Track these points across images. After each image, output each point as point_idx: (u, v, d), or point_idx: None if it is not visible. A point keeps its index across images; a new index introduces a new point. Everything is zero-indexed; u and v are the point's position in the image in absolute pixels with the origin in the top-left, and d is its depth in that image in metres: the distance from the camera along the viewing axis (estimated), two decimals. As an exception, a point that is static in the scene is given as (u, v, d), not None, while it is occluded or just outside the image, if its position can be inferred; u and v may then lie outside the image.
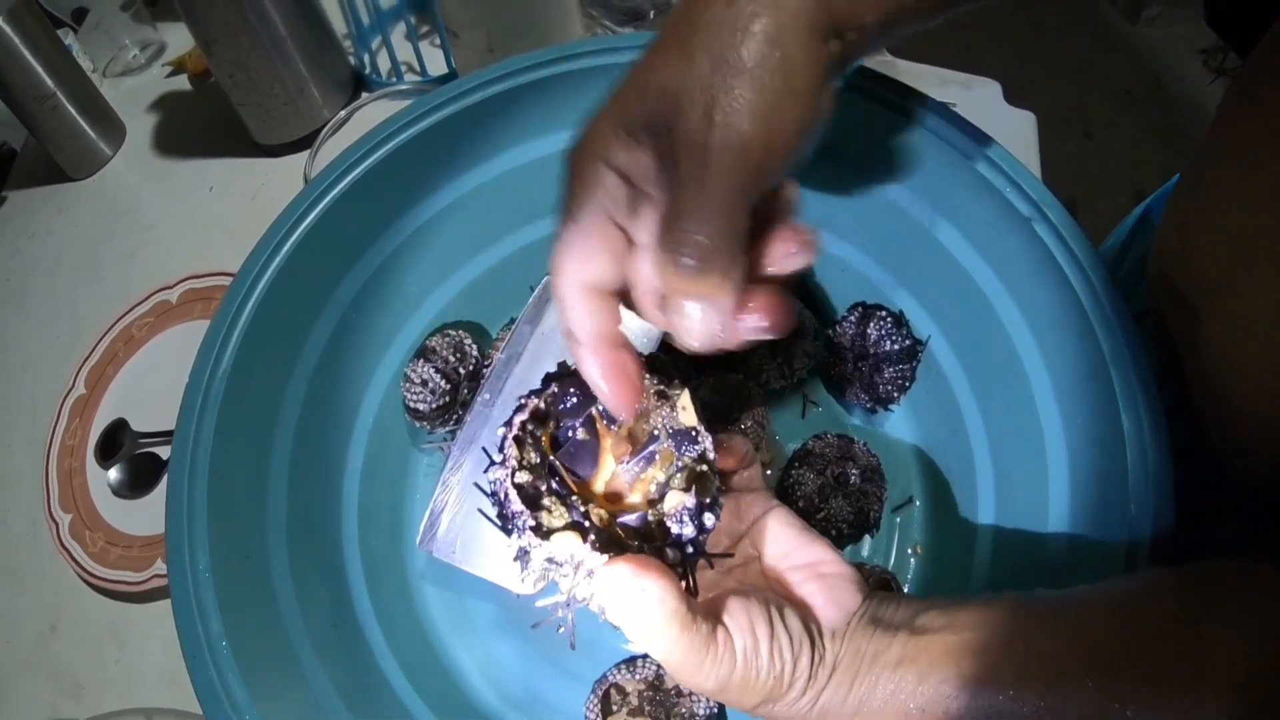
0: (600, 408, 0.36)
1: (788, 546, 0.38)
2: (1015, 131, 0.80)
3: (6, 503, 0.75)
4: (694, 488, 0.34)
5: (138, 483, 0.70)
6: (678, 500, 0.34)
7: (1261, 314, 0.41)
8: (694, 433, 0.36)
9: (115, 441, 0.72)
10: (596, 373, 0.33)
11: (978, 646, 0.32)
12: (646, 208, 0.31)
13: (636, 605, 0.31)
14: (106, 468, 0.71)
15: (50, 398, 0.77)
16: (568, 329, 0.33)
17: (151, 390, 0.74)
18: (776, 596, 0.35)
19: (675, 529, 0.33)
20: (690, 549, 0.34)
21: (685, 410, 0.36)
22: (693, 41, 0.29)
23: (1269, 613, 0.30)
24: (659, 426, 0.36)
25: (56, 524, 0.69)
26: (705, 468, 0.35)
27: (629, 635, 0.32)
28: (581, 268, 0.32)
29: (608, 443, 0.36)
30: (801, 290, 0.61)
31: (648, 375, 0.36)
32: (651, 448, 0.35)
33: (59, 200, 0.94)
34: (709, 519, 0.34)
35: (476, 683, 0.52)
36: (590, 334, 0.33)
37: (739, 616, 0.33)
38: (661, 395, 0.36)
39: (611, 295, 0.33)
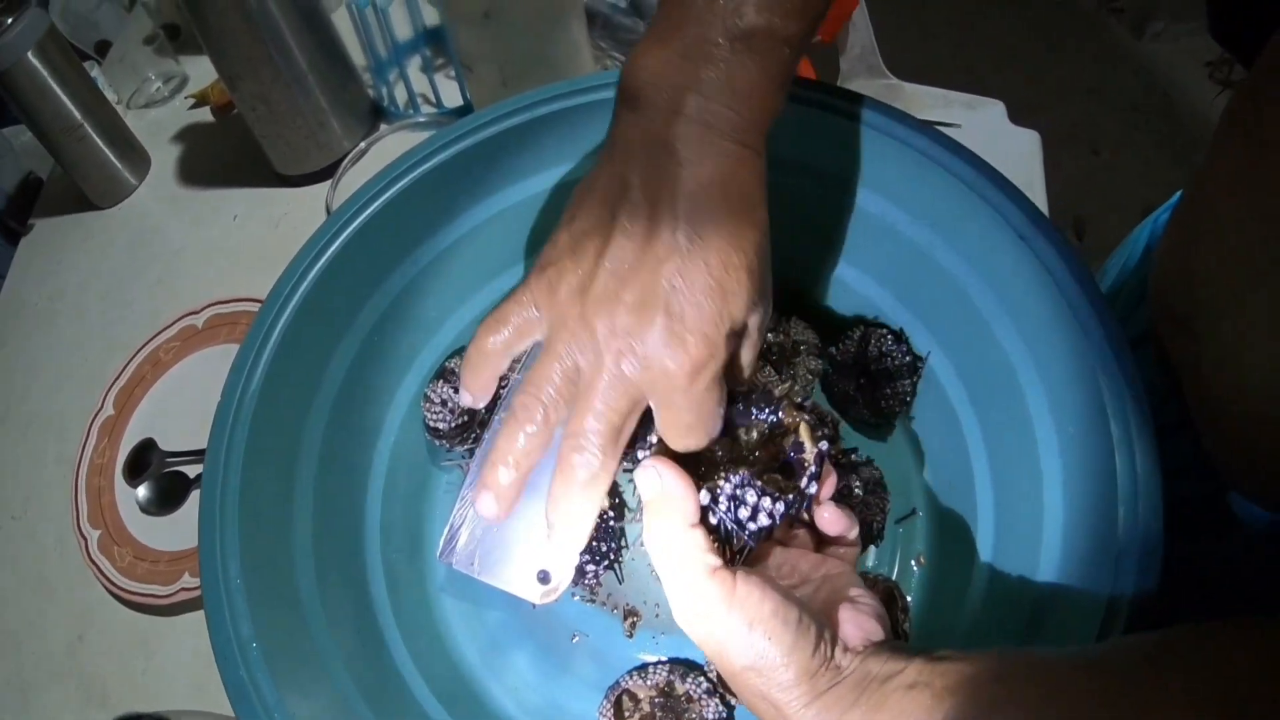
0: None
1: (842, 585, 0.39)
2: (1020, 151, 0.82)
3: (36, 518, 0.78)
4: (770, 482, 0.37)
5: (165, 500, 0.73)
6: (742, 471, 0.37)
7: (1261, 335, 0.42)
8: (804, 462, 0.39)
9: (143, 460, 0.74)
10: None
11: (1002, 675, 0.32)
12: None
13: (660, 493, 0.36)
14: (135, 485, 0.73)
15: (79, 419, 0.79)
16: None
17: (179, 411, 0.77)
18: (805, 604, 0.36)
19: (721, 484, 0.36)
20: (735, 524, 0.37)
21: (808, 442, 0.39)
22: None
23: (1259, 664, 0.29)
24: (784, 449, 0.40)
25: (85, 539, 0.71)
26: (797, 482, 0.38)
27: (645, 536, 0.37)
28: None
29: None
30: (805, 310, 0.63)
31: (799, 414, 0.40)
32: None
33: (86, 228, 0.97)
34: (764, 504, 0.36)
35: (494, 690, 0.54)
36: None
37: (752, 576, 0.34)
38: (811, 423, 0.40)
39: None
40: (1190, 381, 0.50)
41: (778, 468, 0.39)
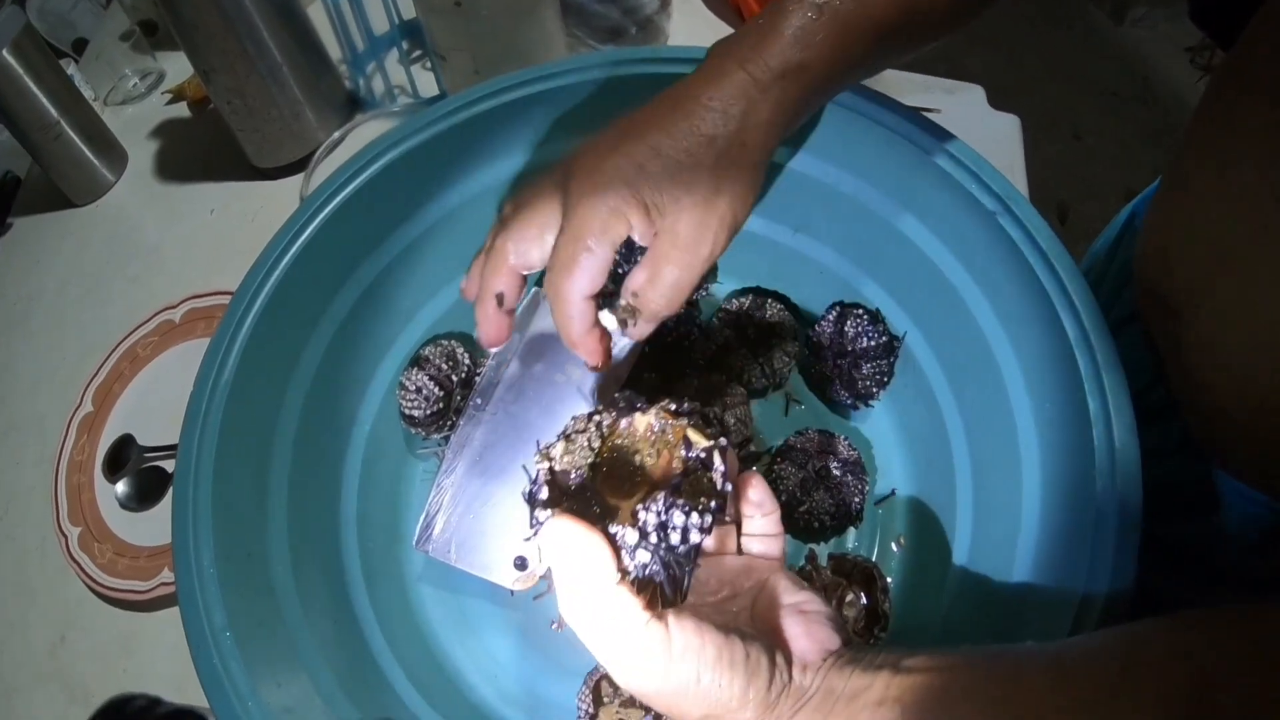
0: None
1: (780, 591, 0.37)
2: (999, 135, 0.82)
3: (17, 519, 0.77)
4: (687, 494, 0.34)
5: (144, 495, 0.72)
6: (659, 495, 0.33)
7: (1241, 316, 0.42)
8: (705, 453, 0.36)
9: (122, 456, 0.74)
10: (587, 346, 0.42)
11: (967, 688, 0.31)
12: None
13: (571, 558, 0.31)
14: (114, 482, 0.73)
15: (58, 416, 0.79)
16: (568, 321, 0.41)
17: (157, 406, 0.76)
18: (747, 630, 0.34)
19: (643, 516, 0.32)
20: (663, 546, 0.32)
21: (700, 440, 0.36)
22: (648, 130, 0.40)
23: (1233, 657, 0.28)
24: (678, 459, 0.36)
25: (66, 537, 0.71)
26: (709, 478, 0.35)
27: (562, 605, 0.32)
28: (592, 283, 0.40)
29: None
30: (780, 292, 0.63)
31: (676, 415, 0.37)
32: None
33: (64, 226, 0.96)
34: (692, 521, 0.32)
35: (472, 678, 0.54)
36: (587, 324, 0.41)
37: (686, 621, 0.32)
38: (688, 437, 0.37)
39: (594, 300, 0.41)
40: (1173, 362, 0.50)
41: (680, 481, 0.35)
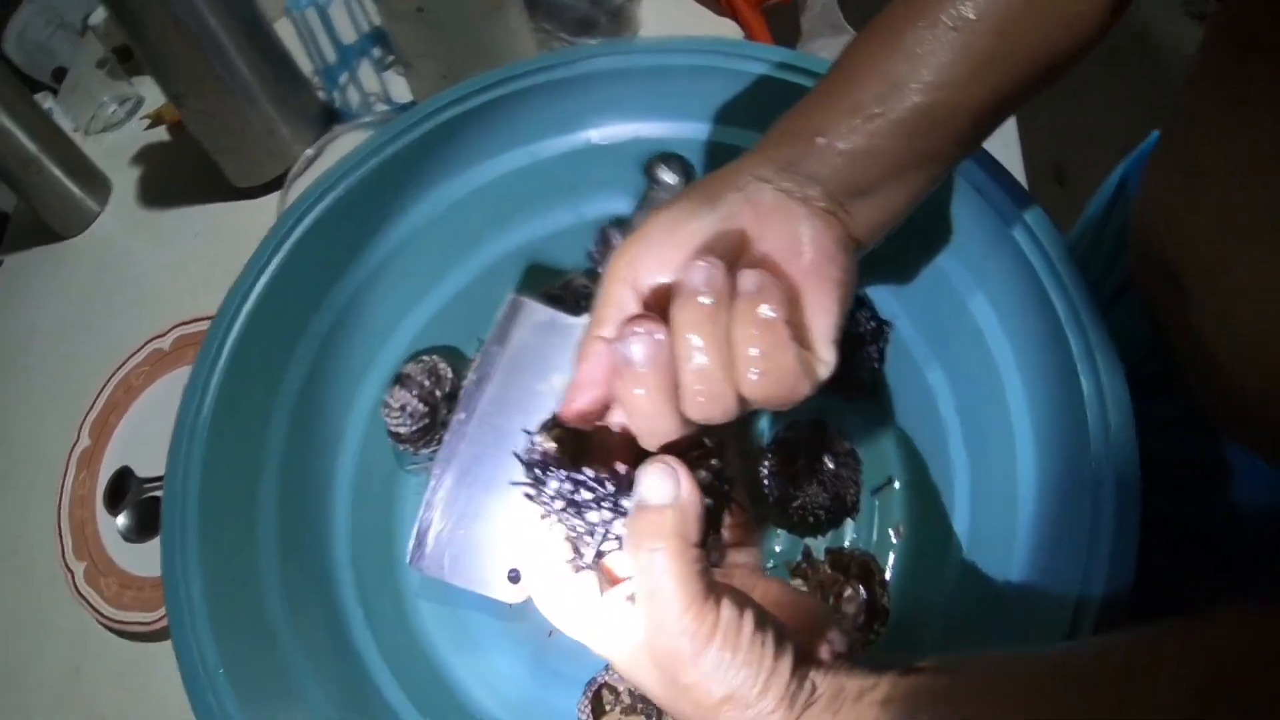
0: None
1: (780, 594, 0.37)
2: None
3: (28, 556, 0.78)
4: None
5: (145, 526, 0.72)
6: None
7: (1260, 293, 0.40)
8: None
9: (121, 488, 0.74)
10: None
11: (976, 687, 0.31)
12: None
13: (672, 492, 0.31)
14: (115, 514, 0.73)
15: (60, 452, 0.79)
16: None
17: (152, 436, 0.76)
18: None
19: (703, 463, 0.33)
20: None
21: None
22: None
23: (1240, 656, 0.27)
24: None
25: (71, 573, 0.71)
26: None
27: (632, 554, 0.32)
28: None
29: None
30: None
31: None
32: None
33: (53, 260, 0.96)
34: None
35: (474, 692, 0.53)
36: None
37: (734, 596, 0.32)
38: None
39: None
40: (1180, 335, 0.49)
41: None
